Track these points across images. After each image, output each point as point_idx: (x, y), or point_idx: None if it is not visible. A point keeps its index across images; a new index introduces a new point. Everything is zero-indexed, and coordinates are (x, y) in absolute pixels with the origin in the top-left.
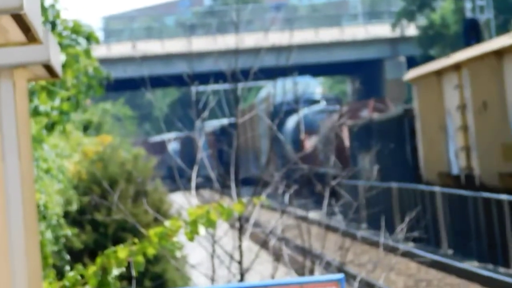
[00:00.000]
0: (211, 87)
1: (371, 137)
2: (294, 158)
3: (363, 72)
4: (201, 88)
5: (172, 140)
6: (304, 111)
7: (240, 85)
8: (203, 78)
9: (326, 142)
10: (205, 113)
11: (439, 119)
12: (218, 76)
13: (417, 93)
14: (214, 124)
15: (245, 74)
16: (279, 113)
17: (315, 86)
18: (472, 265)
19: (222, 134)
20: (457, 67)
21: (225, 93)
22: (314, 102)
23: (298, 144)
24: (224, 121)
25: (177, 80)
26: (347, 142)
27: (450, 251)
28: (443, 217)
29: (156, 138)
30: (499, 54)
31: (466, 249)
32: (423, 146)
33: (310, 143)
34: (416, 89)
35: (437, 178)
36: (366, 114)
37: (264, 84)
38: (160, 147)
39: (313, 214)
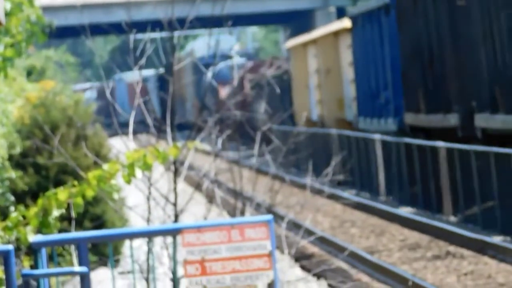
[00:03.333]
0: (149, 35)
1: (264, 89)
2: (212, 105)
3: (295, 22)
4: (140, 36)
5: (89, 89)
6: (220, 65)
7: (176, 34)
8: (142, 26)
9: (235, 92)
10: (142, 61)
11: (305, 79)
12: (156, 25)
13: (292, 59)
14: (139, 74)
15: (182, 22)
16: (200, 66)
17: (233, 43)
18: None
19: (146, 83)
20: (315, 41)
21: (162, 41)
22: (229, 57)
23: (215, 93)
24: (148, 72)
25: (116, 28)
26: (248, 93)
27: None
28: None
29: (74, 87)
30: (336, 34)
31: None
32: (295, 98)
33: (224, 92)
34: (292, 55)
35: (305, 123)
36: (265, 70)
37: (201, 33)
38: None
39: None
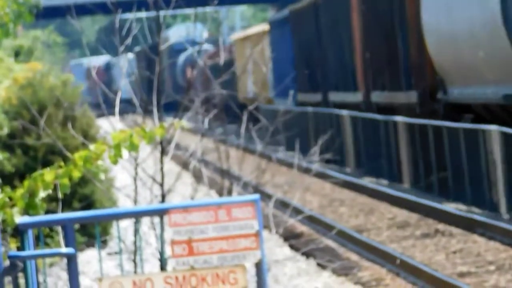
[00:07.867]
0: (134, 14)
1: (218, 73)
2: (183, 84)
3: (283, 0)
4: (128, 15)
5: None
6: (189, 51)
7: (162, 13)
8: (128, 5)
9: (199, 74)
10: (128, 41)
11: (245, 66)
12: (142, 4)
13: (236, 49)
14: (100, 59)
15: (168, 1)
16: (175, 51)
17: (202, 31)
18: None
19: (108, 69)
20: (249, 37)
21: (147, 20)
22: (198, 43)
23: (184, 74)
24: (104, 58)
25: (102, 8)
26: (208, 75)
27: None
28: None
29: None
30: (262, 34)
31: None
32: (239, 81)
33: (190, 74)
34: (236, 46)
35: (244, 100)
36: (224, 56)
37: (188, 13)
38: None
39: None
